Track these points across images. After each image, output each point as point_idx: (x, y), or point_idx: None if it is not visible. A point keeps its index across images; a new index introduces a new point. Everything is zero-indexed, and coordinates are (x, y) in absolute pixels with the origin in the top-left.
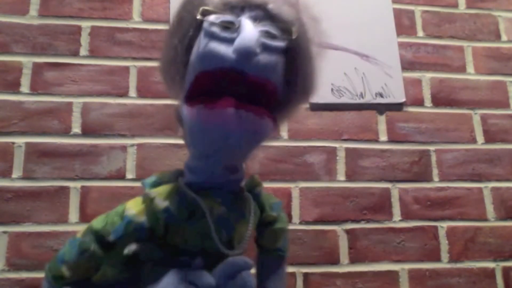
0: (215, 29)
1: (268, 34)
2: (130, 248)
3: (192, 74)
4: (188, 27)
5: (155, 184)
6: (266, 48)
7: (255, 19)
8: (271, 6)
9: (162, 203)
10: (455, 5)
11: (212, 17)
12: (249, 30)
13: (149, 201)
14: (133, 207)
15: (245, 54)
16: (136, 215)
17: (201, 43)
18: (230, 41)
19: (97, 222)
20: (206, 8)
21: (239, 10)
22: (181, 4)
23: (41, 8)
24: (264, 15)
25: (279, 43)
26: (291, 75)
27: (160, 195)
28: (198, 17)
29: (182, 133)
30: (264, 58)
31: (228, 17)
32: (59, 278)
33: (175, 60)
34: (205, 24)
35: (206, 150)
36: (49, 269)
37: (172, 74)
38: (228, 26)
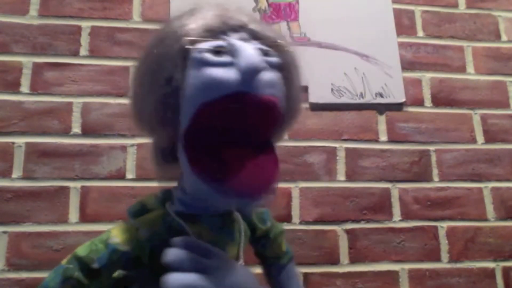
0: (208, 56)
1: (261, 52)
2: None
3: (191, 107)
4: (176, 60)
5: (140, 212)
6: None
7: (242, 40)
8: (253, 26)
9: (146, 233)
10: (455, 5)
11: (200, 45)
12: (248, 49)
13: (133, 231)
14: (118, 236)
15: (254, 72)
16: (120, 244)
17: (195, 73)
18: (228, 65)
19: (81, 250)
20: (190, 38)
21: (222, 34)
22: (157, 40)
23: (41, 8)
24: (248, 35)
25: (275, 59)
26: (287, 91)
27: (144, 225)
28: (186, 46)
29: (159, 169)
30: (268, 74)
31: (216, 42)
32: None
33: (168, 97)
34: (194, 53)
35: (210, 204)
36: None
37: (162, 114)
38: (219, 50)
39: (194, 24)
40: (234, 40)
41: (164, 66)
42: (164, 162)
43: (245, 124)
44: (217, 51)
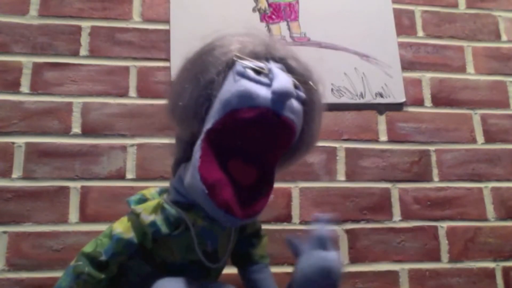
0: (249, 72)
1: (293, 84)
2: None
3: (221, 110)
4: (221, 68)
5: (140, 202)
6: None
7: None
8: (290, 61)
9: (148, 218)
10: (455, 5)
11: (245, 61)
12: (284, 76)
13: (135, 217)
14: (119, 226)
15: (285, 96)
16: (123, 232)
17: (236, 82)
18: (264, 84)
19: (87, 247)
20: (239, 54)
21: (264, 60)
22: (207, 48)
23: (41, 8)
24: (285, 68)
25: (302, 94)
26: (304, 125)
27: (146, 210)
28: (235, 57)
29: (176, 150)
30: (294, 103)
31: (259, 63)
32: None
33: (204, 96)
34: (238, 66)
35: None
36: None
37: (195, 109)
38: (259, 71)
39: (243, 45)
40: (273, 66)
41: (209, 71)
42: (180, 152)
43: (262, 137)
44: (257, 71)
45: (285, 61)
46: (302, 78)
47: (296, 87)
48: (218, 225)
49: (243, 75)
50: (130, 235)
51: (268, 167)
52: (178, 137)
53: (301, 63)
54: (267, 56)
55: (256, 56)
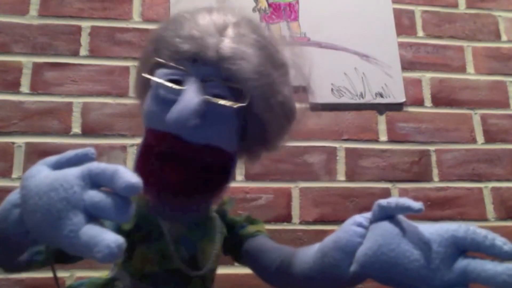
0: (161, 90)
1: (216, 96)
2: None
3: (144, 122)
4: (149, 67)
5: None
6: (210, 113)
7: (204, 77)
8: (224, 64)
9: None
10: (455, 5)
11: (161, 73)
12: (188, 98)
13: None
14: None
15: (179, 123)
16: None
17: (148, 100)
18: (173, 103)
19: None
20: (159, 60)
21: (191, 62)
22: (150, 40)
23: (41, 8)
24: (216, 72)
25: (227, 106)
26: (249, 129)
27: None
28: (147, 72)
29: None
30: (205, 124)
31: (177, 73)
32: None
33: (142, 89)
34: (152, 83)
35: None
36: None
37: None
38: (174, 83)
39: (171, 43)
40: (190, 80)
41: (144, 65)
42: None
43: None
44: (173, 82)
45: (217, 64)
46: (236, 85)
47: (221, 97)
48: (198, 231)
49: (154, 93)
50: None
51: (202, 173)
52: None
53: (243, 60)
54: (194, 57)
55: (181, 57)
